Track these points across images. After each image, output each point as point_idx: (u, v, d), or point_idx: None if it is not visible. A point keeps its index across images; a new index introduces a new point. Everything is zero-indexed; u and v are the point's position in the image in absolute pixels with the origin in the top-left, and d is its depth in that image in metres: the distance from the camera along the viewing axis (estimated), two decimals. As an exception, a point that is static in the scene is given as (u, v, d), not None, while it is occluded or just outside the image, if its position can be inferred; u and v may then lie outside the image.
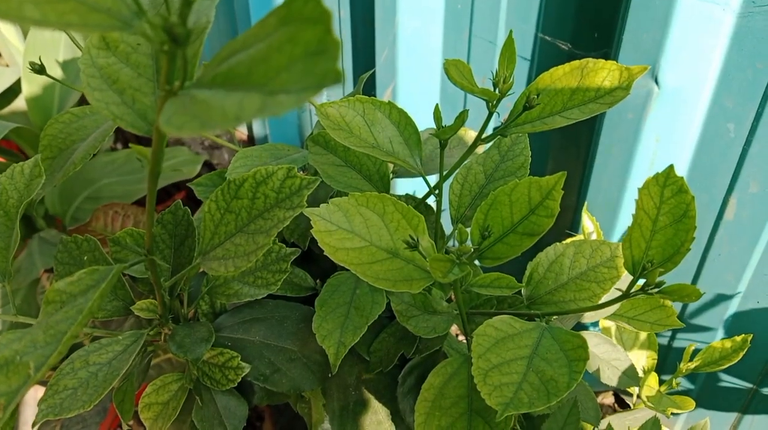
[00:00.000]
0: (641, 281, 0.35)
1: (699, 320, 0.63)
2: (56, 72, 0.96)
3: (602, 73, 0.36)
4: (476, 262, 0.39)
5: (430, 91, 0.78)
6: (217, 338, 0.44)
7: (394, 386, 0.47)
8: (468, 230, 0.34)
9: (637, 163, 0.58)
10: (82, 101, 1.07)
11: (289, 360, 0.44)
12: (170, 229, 0.43)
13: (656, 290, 0.34)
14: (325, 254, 0.46)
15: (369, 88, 0.82)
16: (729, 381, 0.64)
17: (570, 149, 0.67)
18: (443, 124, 0.39)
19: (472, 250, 0.35)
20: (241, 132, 1.24)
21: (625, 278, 0.43)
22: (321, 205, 0.38)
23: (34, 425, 0.36)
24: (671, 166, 0.33)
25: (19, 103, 1.09)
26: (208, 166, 1.21)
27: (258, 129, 1.12)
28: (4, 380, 0.27)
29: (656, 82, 0.54)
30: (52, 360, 0.27)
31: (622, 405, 0.75)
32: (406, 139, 0.41)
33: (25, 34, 1.04)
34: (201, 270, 0.39)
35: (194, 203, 1.21)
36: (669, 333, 0.68)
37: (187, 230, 0.43)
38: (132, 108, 0.28)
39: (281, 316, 0.45)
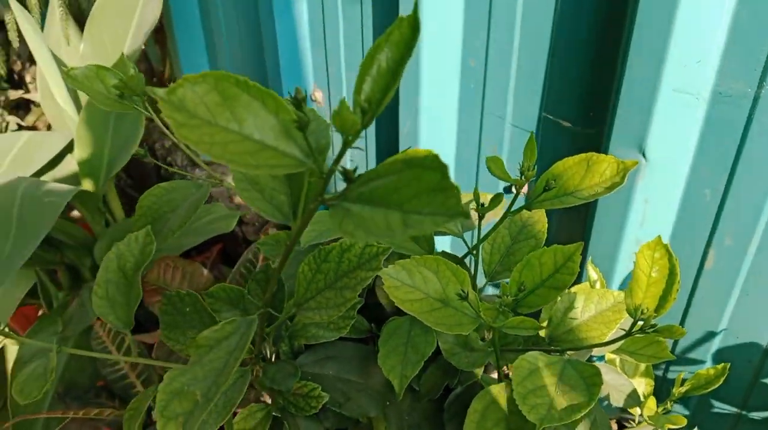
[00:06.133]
0: (641, 322, 0.45)
1: (690, 355, 0.73)
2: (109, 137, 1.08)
3: (604, 164, 0.47)
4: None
5: (447, 158, 0.89)
6: (300, 373, 0.54)
7: (438, 412, 0.57)
8: (503, 287, 0.45)
9: (630, 221, 0.69)
10: (130, 165, 1.17)
11: (357, 390, 0.53)
12: (262, 285, 0.54)
13: (652, 329, 0.45)
14: (375, 303, 0.57)
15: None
16: (718, 406, 0.74)
17: (572, 211, 0.78)
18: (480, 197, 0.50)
19: (512, 301, 0.45)
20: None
21: (627, 319, 0.53)
22: (389, 266, 0.49)
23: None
24: (659, 237, 0.44)
25: (66, 166, 1.20)
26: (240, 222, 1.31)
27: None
28: (178, 404, 0.37)
29: (644, 155, 0.65)
30: (216, 391, 0.37)
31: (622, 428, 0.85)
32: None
33: (78, 109, 1.15)
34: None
35: (229, 256, 1.31)
36: (663, 366, 0.78)
37: (277, 285, 0.53)
38: (271, 203, 0.39)
39: (348, 355, 0.56)
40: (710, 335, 0.71)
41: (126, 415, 0.53)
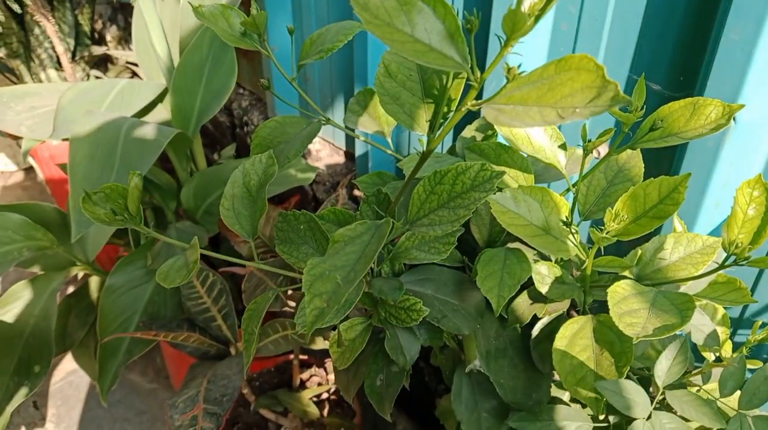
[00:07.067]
0: (734, 257, 0.49)
1: (760, 317, 0.75)
2: (202, 86, 1.14)
3: (709, 108, 0.50)
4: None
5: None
6: (404, 287, 0.59)
7: (523, 339, 0.61)
8: (608, 213, 0.49)
9: (713, 182, 0.72)
10: (207, 123, 1.23)
11: (453, 310, 0.58)
12: (373, 207, 0.58)
13: (745, 262, 0.48)
14: (467, 238, 0.61)
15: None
16: (783, 370, 0.76)
17: (653, 172, 0.81)
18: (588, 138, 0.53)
19: (615, 227, 0.49)
20: (339, 146, 1.41)
21: (715, 261, 0.56)
22: (497, 193, 0.53)
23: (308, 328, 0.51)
24: (759, 175, 0.47)
25: (158, 113, 1.27)
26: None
27: (359, 146, 1.28)
28: (321, 284, 0.42)
29: (734, 119, 0.68)
30: (354, 276, 0.42)
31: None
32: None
33: (172, 61, 1.22)
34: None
35: (306, 205, 1.37)
36: (732, 330, 0.80)
37: (387, 208, 0.58)
38: (410, 116, 0.44)
39: (445, 278, 0.60)
40: (783, 299, 0.73)
41: (245, 315, 0.59)
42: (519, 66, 0.35)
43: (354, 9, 0.33)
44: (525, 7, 0.33)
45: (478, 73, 0.36)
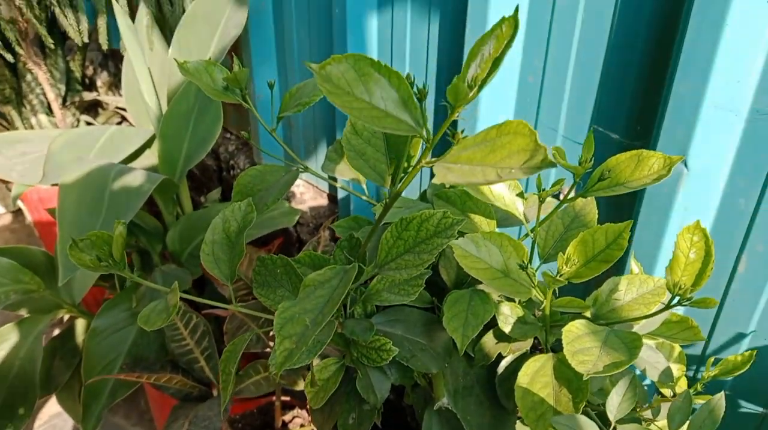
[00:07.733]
0: (678, 297, 0.52)
1: (720, 355, 0.79)
2: (188, 134, 1.18)
3: (652, 160, 0.54)
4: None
5: (500, 164, 0.97)
6: (375, 328, 0.62)
7: (489, 377, 0.64)
8: (560, 258, 0.52)
9: (670, 226, 0.76)
10: (194, 168, 1.27)
11: (421, 350, 0.61)
12: (346, 252, 0.62)
13: (687, 302, 0.51)
14: (435, 281, 0.65)
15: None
16: (745, 406, 0.79)
17: (614, 216, 0.85)
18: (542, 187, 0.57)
19: (567, 270, 0.53)
20: (322, 189, 1.45)
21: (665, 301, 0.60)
22: (459, 238, 0.56)
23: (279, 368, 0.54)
24: (698, 221, 0.51)
25: (146, 158, 1.31)
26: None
27: (341, 190, 1.32)
28: (291, 327, 0.46)
29: (686, 165, 0.72)
30: (322, 319, 0.45)
31: None
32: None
33: (160, 108, 1.27)
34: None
35: (290, 247, 1.40)
36: (694, 367, 0.83)
37: (357, 252, 0.61)
38: (374, 170, 0.47)
39: (414, 319, 0.63)
40: (740, 337, 0.76)
41: (223, 356, 0.61)
42: (462, 131, 0.39)
43: (317, 81, 0.37)
44: (469, 77, 0.38)
45: (431, 135, 0.40)
